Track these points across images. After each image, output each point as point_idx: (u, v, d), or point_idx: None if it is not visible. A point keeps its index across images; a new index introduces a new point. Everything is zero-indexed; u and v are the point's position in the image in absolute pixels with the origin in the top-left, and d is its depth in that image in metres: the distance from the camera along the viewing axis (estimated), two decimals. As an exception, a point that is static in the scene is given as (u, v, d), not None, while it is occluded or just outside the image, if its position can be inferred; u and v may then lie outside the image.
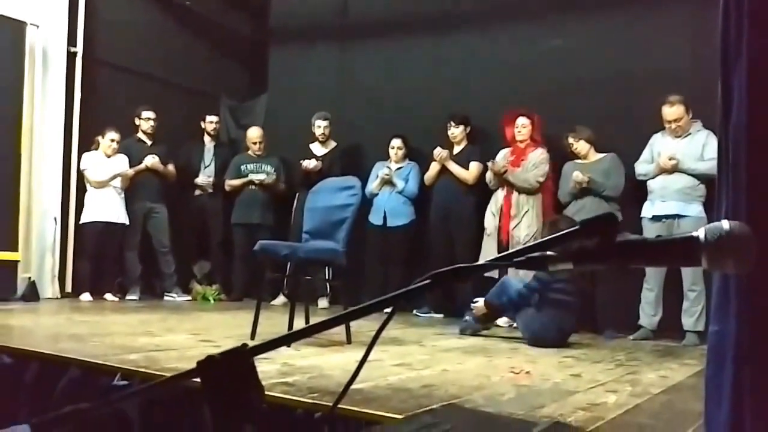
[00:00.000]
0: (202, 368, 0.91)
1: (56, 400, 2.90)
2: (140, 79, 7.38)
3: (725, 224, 0.71)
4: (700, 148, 5.03)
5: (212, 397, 0.90)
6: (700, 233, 0.72)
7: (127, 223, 6.68)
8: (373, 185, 6.50)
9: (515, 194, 5.76)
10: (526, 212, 5.71)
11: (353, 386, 2.76)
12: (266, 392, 2.41)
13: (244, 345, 0.92)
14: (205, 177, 7.30)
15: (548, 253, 0.77)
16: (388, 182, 6.47)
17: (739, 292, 1.68)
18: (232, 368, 0.90)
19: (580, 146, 5.57)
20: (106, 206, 6.58)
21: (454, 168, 6.18)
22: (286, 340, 0.96)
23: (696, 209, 5.00)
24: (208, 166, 7.36)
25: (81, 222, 6.62)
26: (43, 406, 2.90)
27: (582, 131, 5.56)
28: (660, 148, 5.21)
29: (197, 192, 7.33)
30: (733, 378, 1.66)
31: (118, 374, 2.78)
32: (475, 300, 4.91)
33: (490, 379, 3.04)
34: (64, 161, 6.67)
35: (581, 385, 2.99)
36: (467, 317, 5.79)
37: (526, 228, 5.70)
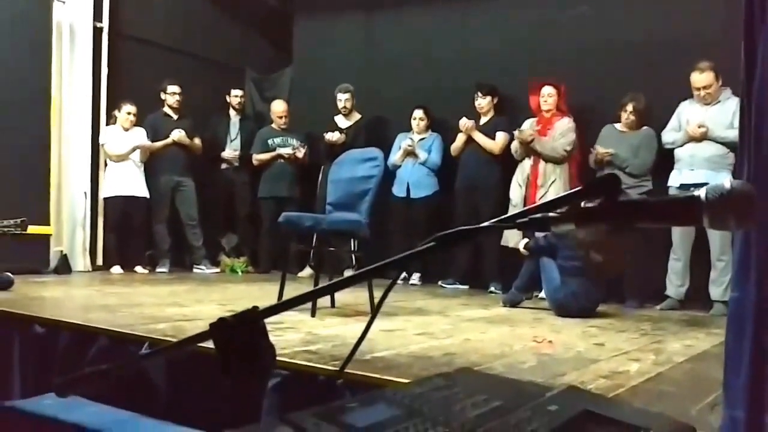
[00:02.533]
0: (215, 330, 0.93)
1: (85, 367, 2.98)
2: (165, 53, 7.43)
3: (726, 183, 0.71)
4: (729, 116, 4.93)
5: (225, 358, 0.93)
6: (702, 192, 0.72)
7: (148, 196, 6.76)
8: (395, 157, 6.49)
9: (542, 164, 5.71)
10: (553, 182, 5.65)
11: (375, 354, 2.78)
12: (290, 360, 2.45)
13: (255, 308, 0.94)
14: (231, 150, 7.35)
15: (550, 214, 0.78)
16: (410, 153, 6.46)
17: (760, 260, 1.66)
18: (244, 330, 0.93)
19: (633, 116, 5.42)
20: (126, 180, 6.67)
21: (480, 138, 6.14)
22: (294, 303, 0.98)
23: (725, 178, 4.90)
24: (234, 139, 7.41)
25: (103, 197, 6.73)
26: (72, 372, 2.98)
27: (640, 100, 5.40)
28: (688, 115, 5.12)
29: (223, 165, 7.38)
30: (752, 345, 1.65)
31: (146, 343, 2.84)
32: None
33: (512, 348, 3.05)
34: (92, 136, 6.76)
35: (604, 354, 2.99)
36: (492, 288, 5.82)
37: (552, 197, 5.66)
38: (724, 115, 4.97)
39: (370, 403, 1.04)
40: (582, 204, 0.76)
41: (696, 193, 0.72)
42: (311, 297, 0.99)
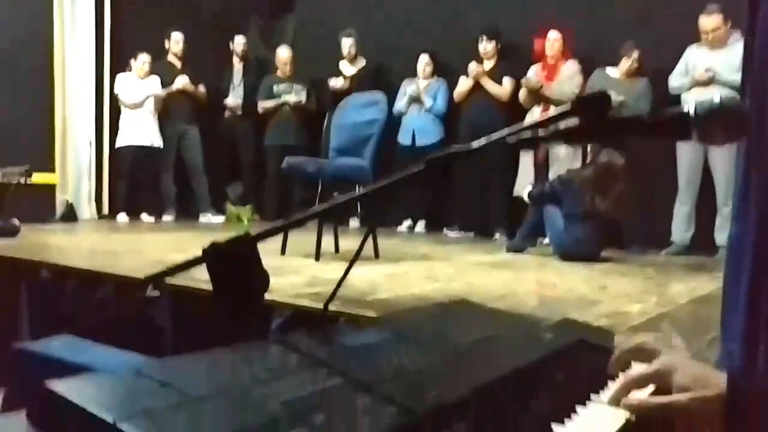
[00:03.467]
0: (208, 255, 0.94)
1: (92, 312, 3.02)
2: (169, 0, 7.33)
3: (716, 97, 0.70)
4: (738, 60, 4.84)
5: (218, 283, 0.94)
6: (690, 107, 0.71)
7: (162, 146, 6.77)
8: (401, 103, 6.43)
9: (552, 109, 5.65)
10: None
11: (377, 296, 2.80)
12: (293, 302, 2.47)
13: (247, 233, 0.95)
14: (234, 98, 7.30)
15: (540, 132, 0.77)
16: (416, 100, 6.40)
17: (760, 194, 1.65)
18: (237, 255, 0.93)
19: (636, 63, 5.35)
20: (141, 129, 6.67)
21: (488, 84, 6.06)
22: (286, 227, 0.98)
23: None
24: (237, 87, 7.36)
25: (117, 146, 6.73)
26: (80, 318, 3.03)
27: (631, 49, 5.33)
28: (695, 60, 5.05)
29: (227, 114, 7.35)
30: (750, 281, 1.65)
31: (150, 285, 2.87)
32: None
33: (514, 290, 3.07)
34: (96, 85, 6.73)
35: (606, 297, 3.00)
36: (497, 236, 5.82)
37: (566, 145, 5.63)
38: (732, 59, 4.89)
39: (364, 327, 1.05)
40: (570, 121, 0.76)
41: (685, 108, 0.71)
42: (292, 225, 0.98)
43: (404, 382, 0.82)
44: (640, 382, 0.93)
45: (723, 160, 4.76)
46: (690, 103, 0.72)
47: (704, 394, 0.85)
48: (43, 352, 2.16)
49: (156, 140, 6.76)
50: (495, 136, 0.80)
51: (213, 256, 0.93)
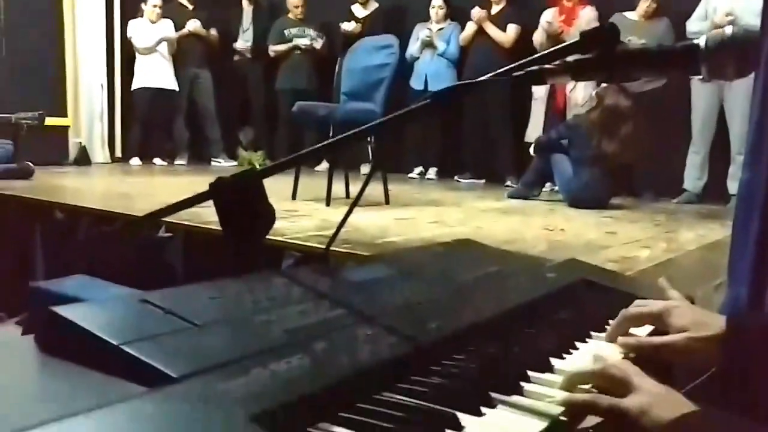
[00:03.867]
0: (214, 190, 0.94)
1: (106, 253, 3.06)
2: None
3: (728, 30, 0.68)
4: (760, 3, 4.71)
5: (224, 217, 0.94)
6: (701, 41, 0.69)
7: (177, 89, 6.75)
8: (413, 47, 6.35)
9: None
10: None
11: (387, 239, 2.81)
12: (303, 242, 2.48)
13: (253, 168, 0.95)
14: (243, 42, 7.23)
15: (546, 65, 0.76)
16: (429, 45, 6.31)
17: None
18: (242, 190, 0.94)
19: (647, 5, 5.23)
20: (155, 72, 6.65)
21: (491, 30, 5.96)
22: (288, 164, 0.98)
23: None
24: (247, 30, 7.27)
25: (132, 88, 6.72)
26: (94, 258, 3.07)
27: None
28: (716, 3, 4.92)
29: (236, 58, 7.28)
30: (759, 224, 1.64)
31: (162, 227, 2.90)
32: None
33: (523, 235, 3.07)
34: (107, 29, 6.68)
35: (615, 242, 3.00)
36: (508, 182, 5.80)
37: (583, 89, 5.54)
38: (754, 2, 4.76)
39: (366, 263, 1.06)
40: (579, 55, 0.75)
41: (696, 41, 0.70)
42: (298, 159, 0.98)
43: (406, 315, 0.83)
44: (637, 320, 0.94)
45: (739, 107, 4.68)
46: (701, 36, 0.70)
47: (702, 335, 0.86)
48: (58, 290, 2.21)
49: (171, 83, 6.74)
50: (502, 70, 0.79)
51: (219, 191, 0.94)
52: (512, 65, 0.78)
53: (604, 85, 4.58)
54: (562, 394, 0.71)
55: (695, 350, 0.86)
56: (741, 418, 0.72)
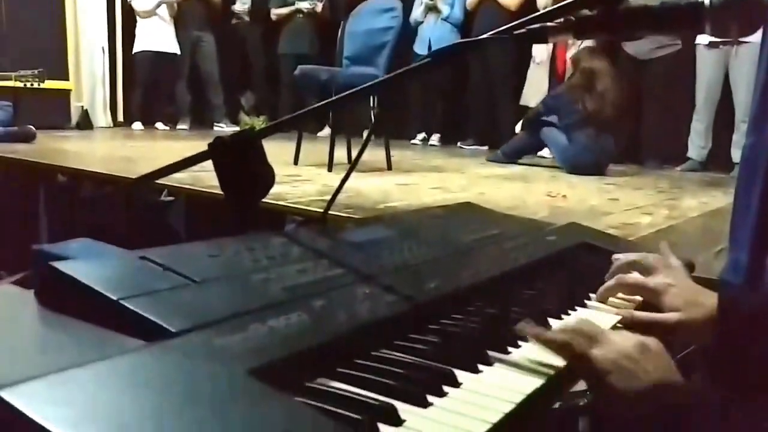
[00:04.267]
0: (213, 150, 0.94)
1: (109, 215, 3.07)
2: None
3: (733, -15, 0.67)
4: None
5: (223, 177, 0.94)
6: (706, -4, 0.68)
7: (179, 52, 6.70)
8: (417, 12, 6.28)
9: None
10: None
11: (388, 204, 2.80)
12: (305, 207, 2.49)
13: (252, 128, 0.95)
14: (241, 4, 7.14)
15: (548, 23, 0.75)
16: (432, 8, 6.23)
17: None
18: (241, 149, 0.93)
19: None
20: (156, 35, 6.59)
21: (498, -7, 5.89)
22: (287, 123, 0.98)
23: (756, 35, 4.70)
24: (245, -9, 7.19)
25: (133, 52, 6.67)
26: (96, 222, 3.08)
27: None
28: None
29: (234, 21, 7.21)
30: (762, 190, 1.64)
31: (164, 191, 2.90)
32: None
33: (525, 201, 3.07)
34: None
35: (617, 208, 2.99)
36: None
37: None
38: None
39: (366, 224, 1.06)
40: (580, 13, 0.74)
41: (700, -1, 0.69)
42: (299, 118, 0.98)
43: (405, 275, 0.83)
44: (630, 288, 0.94)
45: (744, 75, 4.64)
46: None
47: (693, 317, 0.86)
48: (61, 253, 2.22)
49: (173, 46, 6.68)
50: (503, 28, 0.78)
51: (218, 151, 0.94)
52: (514, 23, 0.77)
53: (579, 48, 4.58)
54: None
55: (685, 330, 0.87)
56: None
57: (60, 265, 0.65)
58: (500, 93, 5.98)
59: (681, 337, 0.90)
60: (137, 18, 6.67)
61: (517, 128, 4.90)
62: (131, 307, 0.59)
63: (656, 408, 0.63)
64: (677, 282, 0.94)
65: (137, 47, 6.66)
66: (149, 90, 6.71)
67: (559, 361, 0.69)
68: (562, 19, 0.74)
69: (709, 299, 0.87)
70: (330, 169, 3.78)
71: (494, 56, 5.94)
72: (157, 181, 3.01)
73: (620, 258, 1.01)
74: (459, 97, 6.37)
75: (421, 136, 6.60)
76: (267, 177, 0.94)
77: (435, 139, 6.57)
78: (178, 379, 0.49)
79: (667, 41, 5.15)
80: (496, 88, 5.95)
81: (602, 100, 4.32)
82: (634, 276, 0.97)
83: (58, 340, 0.59)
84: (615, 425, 0.69)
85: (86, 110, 6.39)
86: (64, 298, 0.63)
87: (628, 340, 0.70)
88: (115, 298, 0.60)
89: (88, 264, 0.66)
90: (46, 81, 4.86)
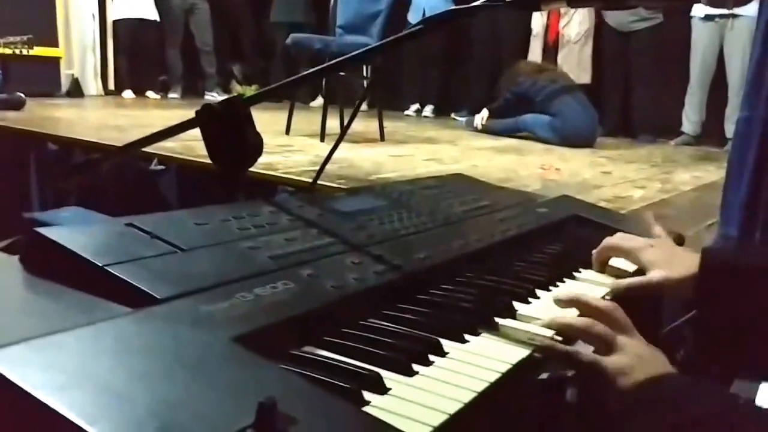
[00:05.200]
0: (201, 116, 0.93)
1: (99, 183, 3.05)
2: None
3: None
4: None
5: (211, 144, 0.93)
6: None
7: (158, 19, 6.58)
8: (412, -20, 6.20)
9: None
10: (577, 10, 5.42)
11: (381, 175, 2.79)
12: (296, 177, 2.48)
13: (240, 95, 0.93)
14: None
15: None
16: (428, -22, 6.16)
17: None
18: (229, 116, 0.92)
19: None
20: (135, 2, 6.47)
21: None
22: (276, 91, 0.97)
23: (752, 8, 4.69)
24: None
25: (112, 19, 6.58)
26: (88, 189, 3.06)
27: None
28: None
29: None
30: (755, 162, 1.64)
31: (155, 159, 2.88)
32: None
33: (518, 173, 3.06)
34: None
35: (610, 181, 3.00)
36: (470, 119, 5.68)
37: (577, 26, 5.47)
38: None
39: (357, 194, 1.05)
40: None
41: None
42: (281, 88, 0.97)
43: (394, 244, 0.83)
44: (615, 251, 0.95)
45: (739, 49, 4.62)
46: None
47: (675, 275, 0.87)
48: (52, 221, 2.20)
49: (151, 13, 6.55)
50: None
51: (206, 118, 0.93)
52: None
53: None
54: (543, 332, 0.70)
55: (670, 287, 0.87)
56: (714, 381, 0.73)
57: (45, 231, 0.64)
58: (504, 63, 5.94)
59: (666, 293, 0.91)
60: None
61: (479, 124, 4.93)
62: (117, 273, 0.59)
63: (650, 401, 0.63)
64: (656, 243, 0.95)
65: (116, 14, 6.55)
66: (136, 58, 6.62)
67: (546, 333, 0.69)
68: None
69: (690, 258, 0.88)
70: (322, 140, 3.76)
71: (499, 26, 5.90)
72: (148, 150, 3.00)
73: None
74: (453, 68, 6.32)
75: (415, 107, 6.56)
76: (256, 144, 0.93)
77: (428, 110, 6.54)
78: (161, 345, 0.49)
79: (646, 14, 5.16)
80: (492, 61, 5.92)
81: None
82: (616, 239, 0.98)
83: (43, 306, 0.59)
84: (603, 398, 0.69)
85: (76, 78, 6.32)
86: (50, 264, 0.62)
87: (637, 346, 0.69)
88: (100, 264, 0.59)
89: (74, 230, 0.65)
90: (35, 48, 4.79)
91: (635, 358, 0.67)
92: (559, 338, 0.69)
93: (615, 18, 5.32)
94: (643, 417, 0.63)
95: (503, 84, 4.80)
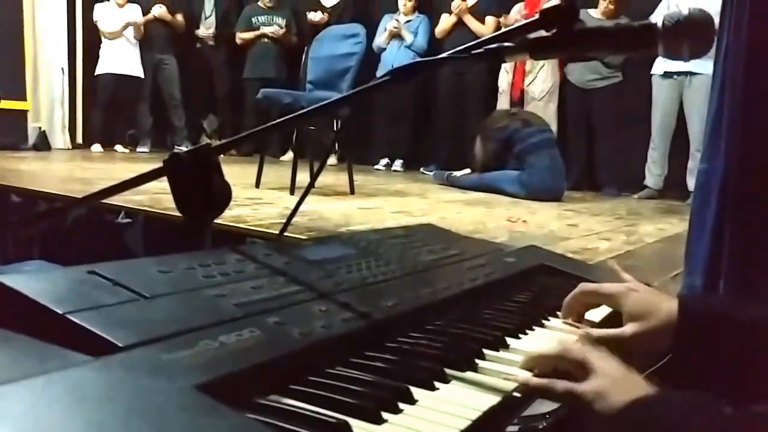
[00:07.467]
0: (168, 165, 0.92)
1: (64, 236, 3.00)
2: None
3: (684, 9, 0.69)
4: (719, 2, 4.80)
5: (178, 193, 0.92)
6: (658, 19, 0.70)
7: (142, 76, 6.65)
8: (381, 38, 6.32)
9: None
10: (542, 67, 5.56)
11: (350, 227, 2.78)
12: (265, 229, 2.46)
13: (208, 144, 0.93)
14: (204, 29, 7.13)
15: (506, 43, 0.76)
16: (396, 35, 6.29)
17: (731, 131, 1.65)
18: (197, 165, 0.92)
19: (612, 5, 5.29)
20: (121, 58, 6.53)
21: (471, 22, 5.95)
22: (243, 139, 0.97)
23: (709, 67, 4.84)
24: (209, 17, 7.16)
25: (96, 74, 6.60)
26: (52, 242, 3.00)
27: None
28: (678, 0, 4.99)
29: (197, 45, 7.18)
30: (715, 213, 1.67)
31: (122, 212, 2.85)
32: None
33: (486, 225, 3.09)
34: (68, 11, 6.54)
35: (576, 233, 3.03)
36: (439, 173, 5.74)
37: (541, 83, 5.60)
38: (714, 2, 4.83)
39: (325, 242, 1.05)
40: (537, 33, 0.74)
41: (652, 20, 0.70)
42: (249, 136, 0.97)
43: (362, 292, 0.82)
44: (593, 296, 0.94)
45: (698, 105, 4.76)
46: (659, 16, 0.71)
47: (649, 326, 0.86)
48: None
49: (137, 70, 6.62)
50: (460, 48, 0.78)
51: (173, 167, 0.92)
52: (471, 43, 0.78)
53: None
54: (519, 373, 0.70)
55: (642, 340, 0.86)
56: (699, 396, 0.72)
57: (3, 279, 0.62)
58: (464, 119, 6.03)
59: (638, 346, 0.89)
60: (102, 39, 6.59)
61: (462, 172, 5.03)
62: (77, 321, 0.57)
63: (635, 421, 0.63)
64: (636, 286, 0.94)
65: (101, 69, 6.58)
66: (110, 112, 6.63)
67: (518, 377, 0.69)
68: (518, 39, 0.75)
69: (668, 303, 0.87)
70: (292, 192, 3.76)
71: (466, 85, 6.01)
72: (115, 203, 2.97)
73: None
74: (422, 124, 6.41)
75: (385, 161, 6.62)
76: (224, 193, 0.93)
77: (398, 164, 6.59)
78: (119, 394, 0.48)
79: (606, 72, 5.35)
80: (460, 116, 6.01)
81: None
82: (594, 284, 0.97)
83: (-2, 355, 0.57)
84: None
85: (44, 131, 6.28)
86: (8, 313, 0.60)
87: (612, 367, 0.69)
88: (60, 312, 0.58)
89: (33, 277, 0.64)
90: (2, 101, 4.76)
91: (611, 380, 0.67)
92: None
93: (576, 76, 5.51)
94: None
95: (484, 135, 4.85)
